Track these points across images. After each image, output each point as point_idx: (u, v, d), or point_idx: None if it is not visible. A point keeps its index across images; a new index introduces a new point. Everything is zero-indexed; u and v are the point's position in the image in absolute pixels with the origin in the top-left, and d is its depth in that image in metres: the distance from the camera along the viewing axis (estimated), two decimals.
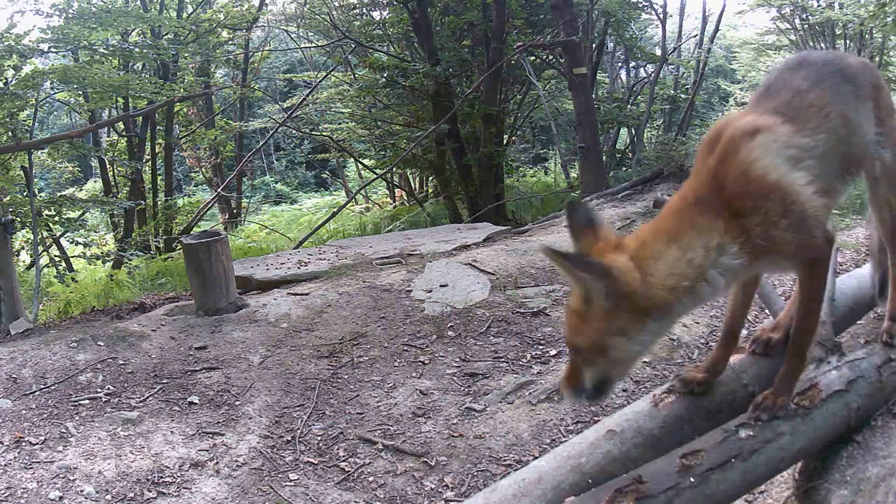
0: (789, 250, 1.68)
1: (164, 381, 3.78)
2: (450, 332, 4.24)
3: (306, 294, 4.90)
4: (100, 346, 4.08)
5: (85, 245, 8.57)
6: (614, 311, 1.57)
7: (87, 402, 3.54)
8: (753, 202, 1.62)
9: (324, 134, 13.38)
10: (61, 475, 2.93)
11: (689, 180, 1.75)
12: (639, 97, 14.50)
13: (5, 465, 2.99)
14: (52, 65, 8.44)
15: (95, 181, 15.52)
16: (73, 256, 9.85)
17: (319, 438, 3.29)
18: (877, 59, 16.83)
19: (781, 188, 1.64)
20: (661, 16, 13.30)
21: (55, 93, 9.24)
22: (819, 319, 1.86)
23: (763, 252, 1.65)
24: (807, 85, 1.80)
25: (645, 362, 3.73)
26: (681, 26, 15.15)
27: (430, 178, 13.33)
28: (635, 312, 1.58)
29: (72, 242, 9.88)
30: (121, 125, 11.37)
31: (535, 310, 4.45)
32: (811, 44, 16.92)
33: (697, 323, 4.23)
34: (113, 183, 11.93)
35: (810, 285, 1.77)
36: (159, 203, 11.48)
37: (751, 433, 1.75)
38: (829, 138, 1.75)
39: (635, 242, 1.65)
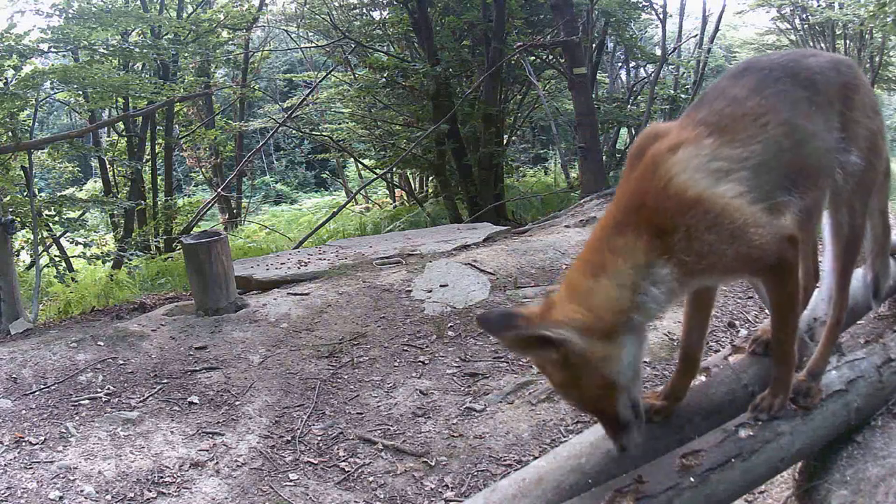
0: (729, 265, 1.61)
1: (164, 381, 3.78)
2: (450, 332, 4.24)
3: (306, 294, 4.90)
4: (100, 346, 4.08)
5: (85, 245, 8.57)
6: (592, 346, 1.53)
7: (87, 402, 3.54)
8: (673, 219, 1.57)
9: (324, 134, 13.38)
10: (61, 475, 2.93)
11: (610, 203, 1.70)
12: (639, 97, 14.50)
13: (5, 465, 2.99)
14: (52, 65, 8.44)
15: (95, 181, 15.53)
16: (73, 256, 9.85)
17: (319, 438, 3.29)
18: (877, 59, 16.85)
19: (703, 202, 1.57)
20: (661, 16, 13.29)
21: (55, 93, 9.24)
22: (797, 321, 1.81)
23: (695, 268, 1.59)
24: (745, 93, 1.70)
25: (645, 362, 3.74)
26: (681, 26, 15.15)
27: (430, 178, 13.33)
28: (606, 337, 1.55)
29: (72, 242, 9.88)
30: (121, 125, 11.37)
31: None
32: (811, 44, 16.93)
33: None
34: (113, 183, 11.94)
35: (778, 291, 1.71)
36: (159, 203, 11.49)
37: (751, 433, 1.75)
38: (767, 149, 1.66)
39: (565, 289, 1.62)
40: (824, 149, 1.77)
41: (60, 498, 2.80)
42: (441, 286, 4.87)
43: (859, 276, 2.46)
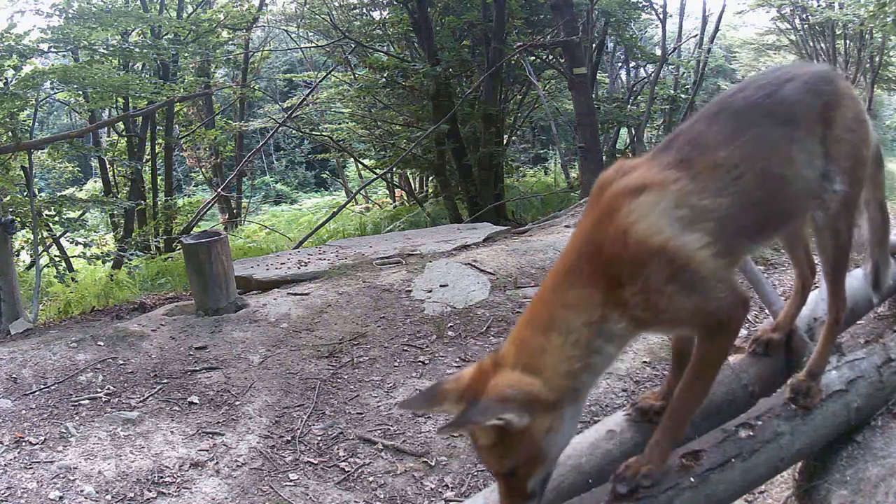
0: (683, 317, 1.52)
1: (164, 381, 3.78)
2: (450, 332, 4.24)
3: (306, 294, 4.90)
4: (100, 346, 4.08)
5: (85, 245, 8.57)
6: (533, 421, 1.42)
7: (87, 402, 3.54)
8: (631, 269, 1.46)
9: (324, 134, 13.39)
10: (61, 475, 2.93)
11: (567, 243, 1.58)
12: (639, 97, 14.50)
13: (5, 465, 2.99)
14: (52, 65, 8.44)
15: (95, 181, 15.53)
16: (73, 256, 9.85)
17: (319, 438, 3.29)
18: (877, 59, 16.86)
19: (667, 252, 1.46)
20: (661, 16, 13.30)
21: (55, 93, 9.25)
22: (710, 388, 1.65)
23: (650, 321, 1.50)
24: (719, 139, 1.60)
25: (645, 362, 3.74)
26: (681, 26, 15.16)
27: (430, 178, 13.33)
28: (550, 409, 1.44)
29: (72, 242, 9.89)
30: (121, 125, 11.37)
31: None
32: (811, 44, 16.94)
33: None
34: (113, 183, 11.94)
35: (712, 347, 1.57)
36: (159, 203, 11.49)
37: (751, 433, 1.75)
38: (737, 201, 1.56)
39: (513, 346, 1.50)
40: (803, 190, 1.72)
41: (60, 498, 2.80)
42: (441, 286, 4.87)
43: (859, 276, 2.46)
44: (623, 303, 1.47)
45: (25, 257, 9.10)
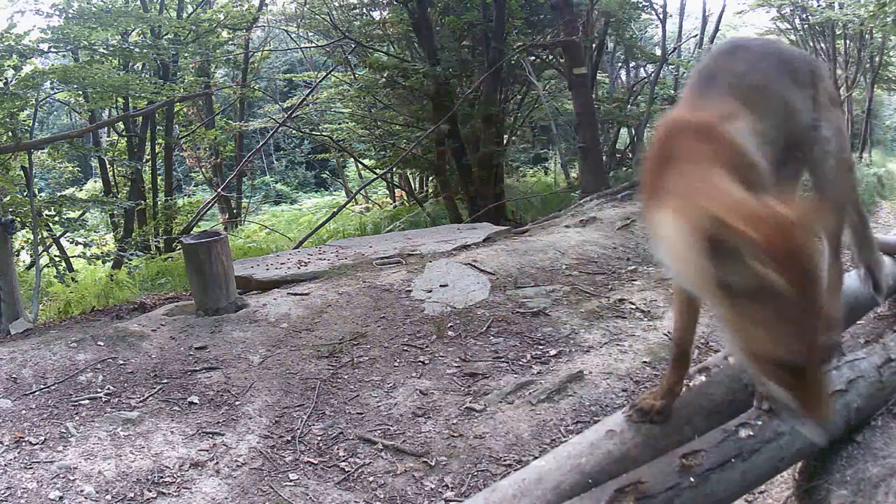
0: None
1: (164, 381, 3.78)
2: (450, 332, 4.24)
3: (306, 294, 4.90)
4: (100, 346, 4.08)
5: (85, 245, 8.56)
6: None
7: (87, 402, 3.54)
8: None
9: (324, 134, 13.38)
10: (61, 475, 2.93)
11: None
12: (639, 97, 14.50)
13: (5, 465, 2.98)
14: (52, 65, 8.44)
15: (95, 181, 15.52)
16: (73, 256, 9.85)
17: (319, 438, 3.29)
18: (877, 59, 16.85)
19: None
20: (661, 16, 13.30)
21: (55, 93, 9.24)
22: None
23: None
24: (745, 67, 1.75)
25: (645, 362, 3.74)
26: (681, 26, 15.16)
27: (430, 178, 13.32)
28: None
29: (72, 242, 9.88)
30: (121, 125, 11.37)
31: (535, 310, 4.44)
32: (811, 44, 16.93)
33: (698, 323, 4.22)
34: (113, 183, 11.93)
35: None
36: (159, 203, 11.48)
37: (751, 433, 1.75)
38: (774, 122, 1.72)
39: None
40: (804, 125, 1.87)
41: (60, 498, 2.80)
42: (441, 286, 4.87)
43: (859, 276, 2.46)
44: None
45: (25, 257, 9.10)
